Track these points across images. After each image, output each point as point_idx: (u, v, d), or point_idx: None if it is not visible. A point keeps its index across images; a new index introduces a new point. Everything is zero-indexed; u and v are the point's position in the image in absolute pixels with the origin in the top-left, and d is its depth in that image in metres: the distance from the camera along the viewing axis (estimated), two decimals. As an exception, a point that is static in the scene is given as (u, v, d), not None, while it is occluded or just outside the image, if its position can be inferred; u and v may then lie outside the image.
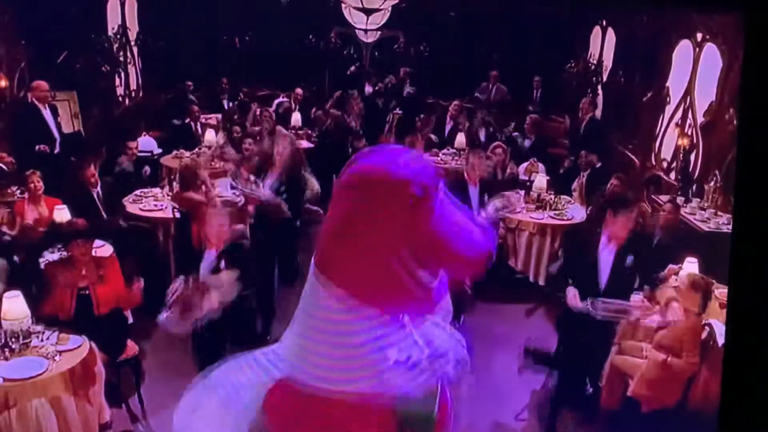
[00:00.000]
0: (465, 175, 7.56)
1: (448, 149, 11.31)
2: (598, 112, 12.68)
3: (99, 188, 7.97)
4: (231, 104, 13.34)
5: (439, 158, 11.07)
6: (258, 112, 11.80)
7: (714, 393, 5.08)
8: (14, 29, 9.78)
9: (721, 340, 5.44)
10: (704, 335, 5.45)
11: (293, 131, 11.60)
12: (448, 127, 12.33)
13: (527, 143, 11.30)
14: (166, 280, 6.80)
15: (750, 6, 1.48)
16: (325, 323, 2.44)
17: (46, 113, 9.33)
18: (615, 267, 5.55)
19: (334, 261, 2.40)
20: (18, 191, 8.03)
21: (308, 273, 2.54)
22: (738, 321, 1.56)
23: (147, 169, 9.79)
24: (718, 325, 5.61)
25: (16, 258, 6.47)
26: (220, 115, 12.50)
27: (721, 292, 6.42)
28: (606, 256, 5.60)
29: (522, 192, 9.29)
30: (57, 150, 9.35)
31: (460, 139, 11.16)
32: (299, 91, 13.32)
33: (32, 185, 7.27)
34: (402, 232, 2.30)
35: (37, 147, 9.00)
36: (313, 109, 12.80)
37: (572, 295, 5.48)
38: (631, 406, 5.55)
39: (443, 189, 2.43)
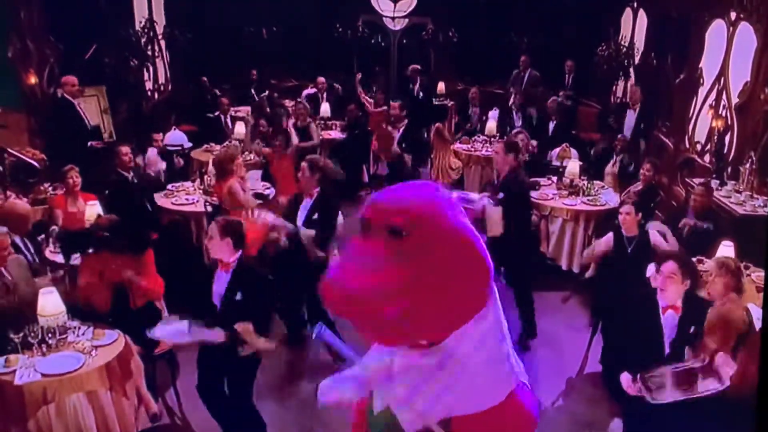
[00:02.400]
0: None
1: (479, 136, 11.24)
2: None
3: (132, 174, 8.08)
4: (259, 97, 13.38)
5: (470, 146, 11.02)
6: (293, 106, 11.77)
7: (752, 377, 5.00)
8: (43, 26, 9.86)
9: (758, 324, 5.36)
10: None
11: (322, 122, 11.63)
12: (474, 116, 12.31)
13: (551, 125, 11.22)
14: (198, 272, 6.88)
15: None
16: None
17: (80, 108, 9.44)
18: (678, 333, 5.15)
19: None
20: (50, 188, 8.12)
21: None
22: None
23: (180, 160, 9.88)
24: (755, 309, 5.52)
25: (50, 254, 6.56)
26: (249, 108, 12.54)
27: (757, 275, 6.33)
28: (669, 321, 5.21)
29: (554, 178, 9.25)
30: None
31: (491, 125, 11.09)
32: (321, 80, 13.32)
33: (71, 180, 7.35)
34: None
35: (89, 143, 9.20)
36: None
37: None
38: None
39: None
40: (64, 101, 9.43)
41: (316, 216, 6.60)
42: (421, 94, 13.57)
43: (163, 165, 9.46)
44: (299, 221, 6.62)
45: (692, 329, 4.94)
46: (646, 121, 11.18)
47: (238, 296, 4.96)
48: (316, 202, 6.63)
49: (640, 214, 6.74)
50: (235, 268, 5.01)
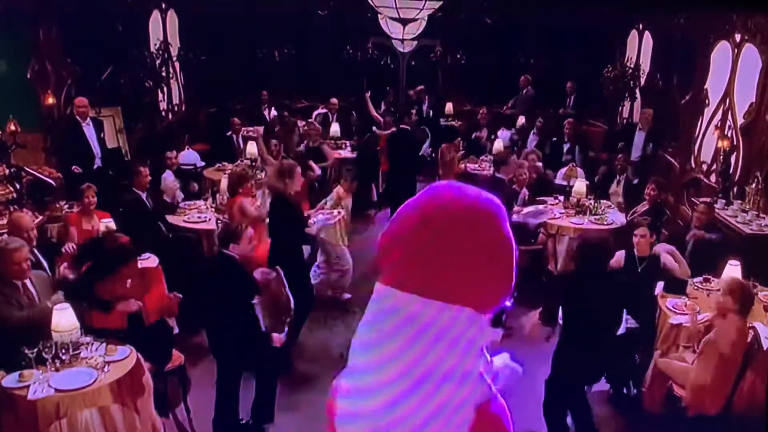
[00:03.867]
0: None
1: (487, 156, 11.33)
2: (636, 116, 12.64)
3: (147, 194, 8.21)
4: (272, 117, 13.53)
5: (478, 165, 11.11)
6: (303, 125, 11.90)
7: (760, 396, 5.05)
8: (60, 47, 10.04)
9: (766, 343, 5.40)
10: (749, 339, 5.40)
11: (332, 141, 11.76)
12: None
13: (565, 147, 11.30)
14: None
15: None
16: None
17: (87, 129, 9.58)
18: None
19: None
20: (66, 206, 8.25)
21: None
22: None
23: (195, 185, 9.99)
24: (762, 328, 5.56)
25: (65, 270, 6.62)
26: (261, 128, 12.66)
27: (765, 294, 6.36)
28: None
29: (561, 197, 9.31)
30: (98, 165, 9.59)
31: (498, 145, 11.18)
32: (334, 100, 13.51)
33: (87, 199, 7.47)
34: None
35: (72, 168, 9.26)
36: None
37: None
38: (676, 410, 5.53)
39: None
40: (71, 121, 9.58)
41: None
42: (431, 112, 13.74)
43: (179, 190, 9.47)
44: None
45: None
46: (654, 142, 11.25)
47: None
48: None
49: (654, 236, 6.80)
50: None
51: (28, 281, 5.38)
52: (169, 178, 9.34)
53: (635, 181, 9.84)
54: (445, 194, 2.01)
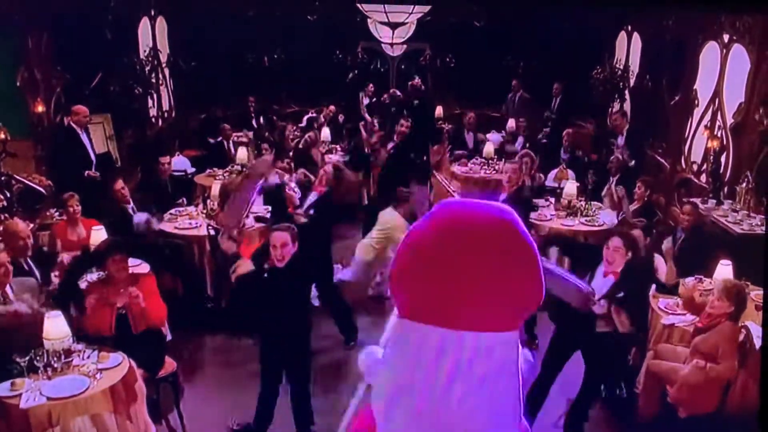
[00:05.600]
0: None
1: (477, 158, 11.32)
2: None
3: (132, 204, 8.13)
4: (260, 121, 13.52)
5: (468, 168, 11.09)
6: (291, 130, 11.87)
7: (753, 395, 5.06)
8: (50, 55, 10.01)
9: (758, 342, 5.41)
10: (741, 338, 5.42)
11: (323, 146, 11.72)
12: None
13: (565, 156, 11.26)
14: (201, 295, 6.97)
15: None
16: None
17: (84, 137, 9.55)
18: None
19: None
20: (57, 213, 8.21)
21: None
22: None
23: (183, 200, 9.93)
24: (754, 328, 5.57)
25: (55, 278, 6.59)
26: (251, 133, 12.64)
27: (756, 294, 6.37)
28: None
29: (552, 199, 9.31)
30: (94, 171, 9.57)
31: (489, 148, 11.17)
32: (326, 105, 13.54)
33: (71, 208, 7.42)
34: None
35: (86, 173, 9.23)
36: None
37: None
38: (670, 411, 5.54)
39: None
40: (68, 130, 9.54)
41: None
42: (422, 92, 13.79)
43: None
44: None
45: (621, 294, 5.53)
46: (634, 146, 11.27)
47: None
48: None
49: (647, 239, 6.78)
50: None
51: (8, 288, 5.32)
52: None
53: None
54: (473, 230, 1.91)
